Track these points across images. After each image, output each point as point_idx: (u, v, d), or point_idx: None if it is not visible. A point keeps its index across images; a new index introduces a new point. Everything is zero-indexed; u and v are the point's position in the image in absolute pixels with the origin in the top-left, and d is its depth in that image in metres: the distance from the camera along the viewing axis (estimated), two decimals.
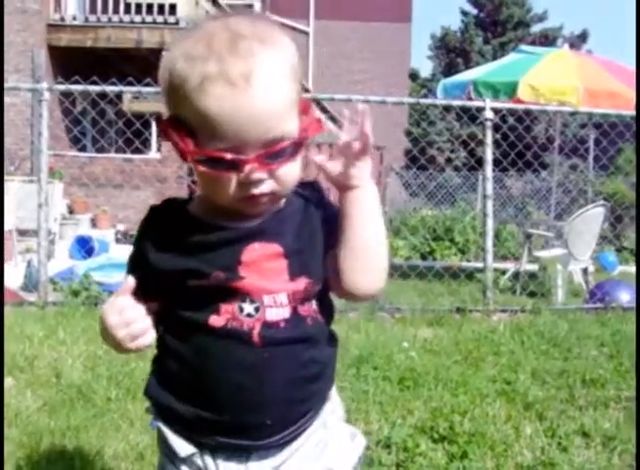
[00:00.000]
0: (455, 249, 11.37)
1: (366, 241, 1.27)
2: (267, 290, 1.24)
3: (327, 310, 1.35)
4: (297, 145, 1.19)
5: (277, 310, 1.25)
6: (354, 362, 3.93)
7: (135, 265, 1.32)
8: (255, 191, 1.18)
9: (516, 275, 7.93)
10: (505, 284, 7.74)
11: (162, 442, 1.36)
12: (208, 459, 1.32)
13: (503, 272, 8.10)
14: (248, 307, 1.24)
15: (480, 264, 6.60)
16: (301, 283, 1.26)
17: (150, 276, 1.27)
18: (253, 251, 1.23)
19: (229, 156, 1.14)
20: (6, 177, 8.88)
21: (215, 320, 1.24)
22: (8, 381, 3.44)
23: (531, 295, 7.12)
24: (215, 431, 1.29)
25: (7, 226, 8.25)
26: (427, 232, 11.56)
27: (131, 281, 1.28)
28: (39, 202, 5.71)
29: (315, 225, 1.29)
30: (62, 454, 2.69)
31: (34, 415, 3.07)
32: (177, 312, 1.27)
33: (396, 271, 7.21)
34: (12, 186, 9.08)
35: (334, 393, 1.43)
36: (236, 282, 1.23)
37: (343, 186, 1.26)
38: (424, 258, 10.95)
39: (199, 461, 1.32)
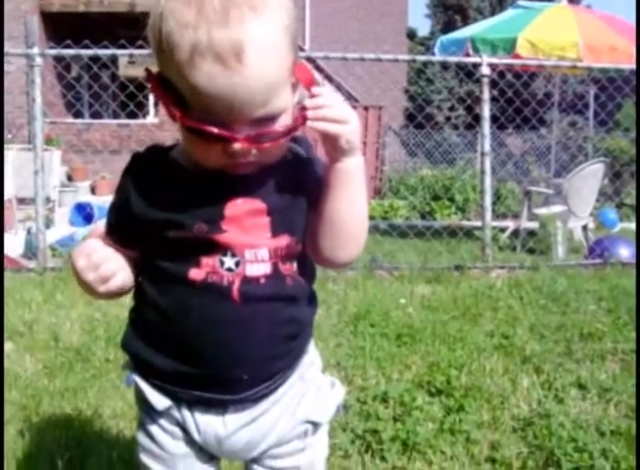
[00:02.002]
0: (455, 208, 11.37)
1: (347, 214, 1.26)
2: (249, 244, 1.23)
3: (308, 271, 1.34)
4: (291, 130, 1.17)
5: (257, 266, 1.24)
6: (352, 319, 3.95)
7: (116, 213, 1.30)
8: (242, 160, 1.16)
9: (515, 233, 7.93)
10: (505, 242, 7.75)
11: (140, 397, 1.36)
12: (186, 412, 1.32)
13: (503, 230, 8.11)
14: (228, 261, 1.23)
15: (479, 223, 6.58)
16: (283, 240, 1.25)
17: (131, 224, 1.25)
18: (236, 206, 1.22)
19: (218, 131, 1.10)
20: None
21: (196, 273, 1.23)
22: (7, 346, 3.46)
23: (531, 252, 7.11)
24: (192, 384, 1.29)
25: (6, 195, 8.25)
26: (426, 192, 11.54)
27: (101, 225, 1.27)
28: (35, 168, 5.67)
29: (300, 183, 1.26)
30: (61, 415, 2.71)
31: (34, 378, 3.09)
32: (157, 263, 1.26)
33: (395, 230, 7.21)
34: (9, 154, 9.05)
35: (312, 345, 1.43)
36: (218, 235, 1.21)
37: (329, 158, 1.23)
38: (423, 217, 10.95)
39: (176, 414, 1.33)
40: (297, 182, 1.26)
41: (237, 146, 1.12)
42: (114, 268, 1.27)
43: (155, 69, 1.15)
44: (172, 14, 1.07)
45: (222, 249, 1.22)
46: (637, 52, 7.43)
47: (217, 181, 1.20)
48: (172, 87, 1.11)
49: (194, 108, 1.10)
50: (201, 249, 1.22)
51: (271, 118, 1.14)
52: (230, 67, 1.05)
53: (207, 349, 1.26)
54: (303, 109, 1.17)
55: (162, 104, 1.15)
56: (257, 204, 1.23)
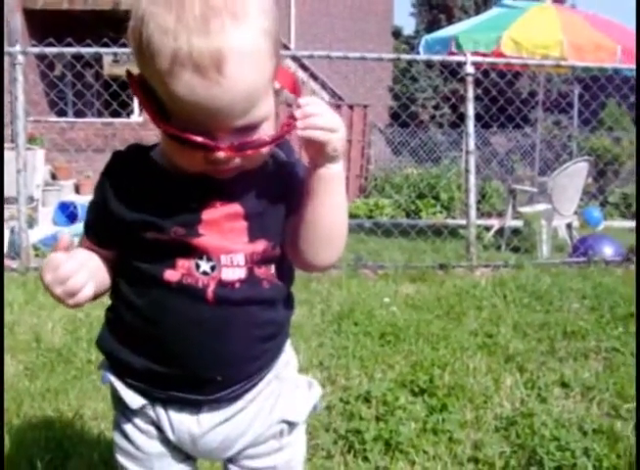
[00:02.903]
0: (440, 206, 11.39)
1: (328, 218, 1.25)
2: (225, 249, 1.22)
3: (286, 274, 1.33)
4: (276, 139, 1.16)
5: (233, 271, 1.23)
6: (335, 319, 3.95)
7: (95, 212, 1.29)
8: (224, 167, 1.15)
9: (500, 231, 7.95)
10: (489, 240, 7.77)
11: (115, 397, 1.36)
12: (160, 411, 1.32)
13: (487, 229, 8.13)
14: (204, 265, 1.22)
15: (463, 221, 6.59)
16: (260, 245, 1.25)
17: (108, 224, 1.24)
18: (214, 210, 1.21)
19: (202, 140, 1.09)
20: None
21: (171, 275, 1.22)
22: None
23: (515, 250, 7.13)
24: (166, 384, 1.28)
25: None
26: (411, 190, 11.55)
27: (67, 237, 1.24)
28: (17, 167, 5.63)
29: (280, 188, 1.25)
30: (42, 416, 2.69)
31: (15, 379, 3.07)
32: (133, 263, 1.25)
33: (380, 229, 7.21)
34: None
35: (288, 345, 1.43)
36: (195, 239, 1.21)
37: (312, 164, 1.22)
38: (408, 216, 10.97)
39: (151, 413, 1.33)
40: (277, 187, 1.25)
41: (220, 154, 1.11)
42: (82, 281, 1.21)
43: (136, 70, 1.14)
44: (153, 18, 1.04)
45: (198, 252, 1.22)
46: (637, 52, 7.45)
47: (196, 185, 1.19)
48: (153, 90, 1.10)
49: (173, 114, 1.09)
50: (177, 251, 1.22)
51: (253, 127, 1.13)
52: (210, 78, 1.03)
53: (182, 350, 1.25)
54: (291, 118, 1.15)
55: (144, 108, 1.14)
56: (236, 208, 1.22)
